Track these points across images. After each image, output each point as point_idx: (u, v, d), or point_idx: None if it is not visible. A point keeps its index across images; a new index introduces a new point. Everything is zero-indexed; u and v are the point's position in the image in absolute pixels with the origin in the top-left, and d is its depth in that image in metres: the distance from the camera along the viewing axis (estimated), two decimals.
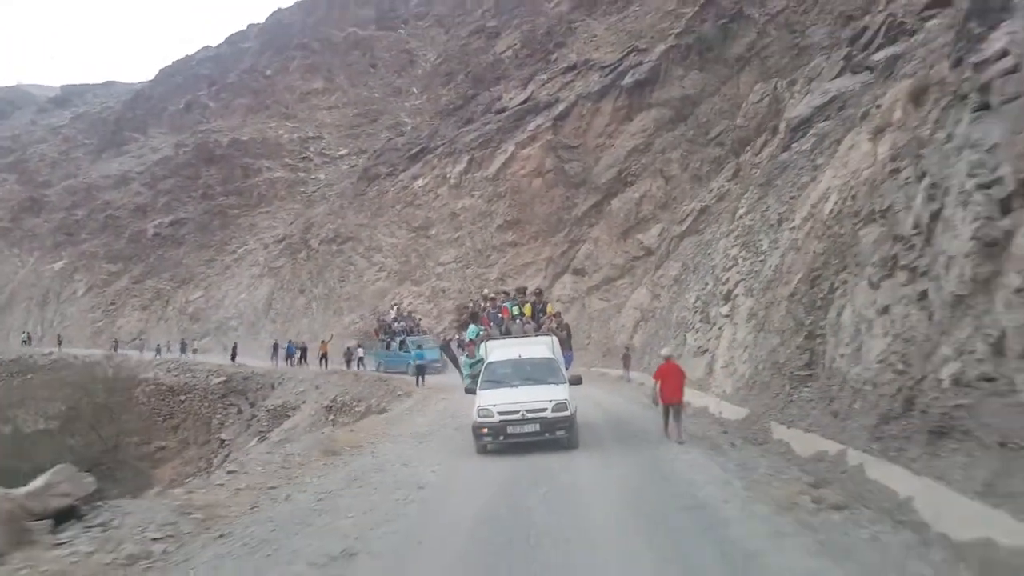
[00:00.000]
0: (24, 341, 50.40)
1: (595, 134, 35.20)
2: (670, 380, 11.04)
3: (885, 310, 8.03)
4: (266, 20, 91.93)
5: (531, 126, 35.75)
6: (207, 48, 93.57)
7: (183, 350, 41.46)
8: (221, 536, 6.46)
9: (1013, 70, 6.46)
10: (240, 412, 30.71)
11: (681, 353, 17.27)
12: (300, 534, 6.44)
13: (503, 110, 38.46)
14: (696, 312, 18.27)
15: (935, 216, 7.29)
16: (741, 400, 12.29)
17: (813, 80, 23.91)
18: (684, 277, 22.16)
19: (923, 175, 7.89)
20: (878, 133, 10.79)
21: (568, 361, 13.50)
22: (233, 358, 35.89)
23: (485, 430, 10.98)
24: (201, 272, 52.74)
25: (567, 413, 10.84)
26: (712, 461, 9.13)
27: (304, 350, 33.08)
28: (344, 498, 7.94)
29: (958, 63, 7.93)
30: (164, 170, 63.01)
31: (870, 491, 6.73)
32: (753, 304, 13.69)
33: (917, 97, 9.48)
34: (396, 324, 30.70)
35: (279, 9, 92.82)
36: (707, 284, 18.37)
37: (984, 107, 6.77)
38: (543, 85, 38.66)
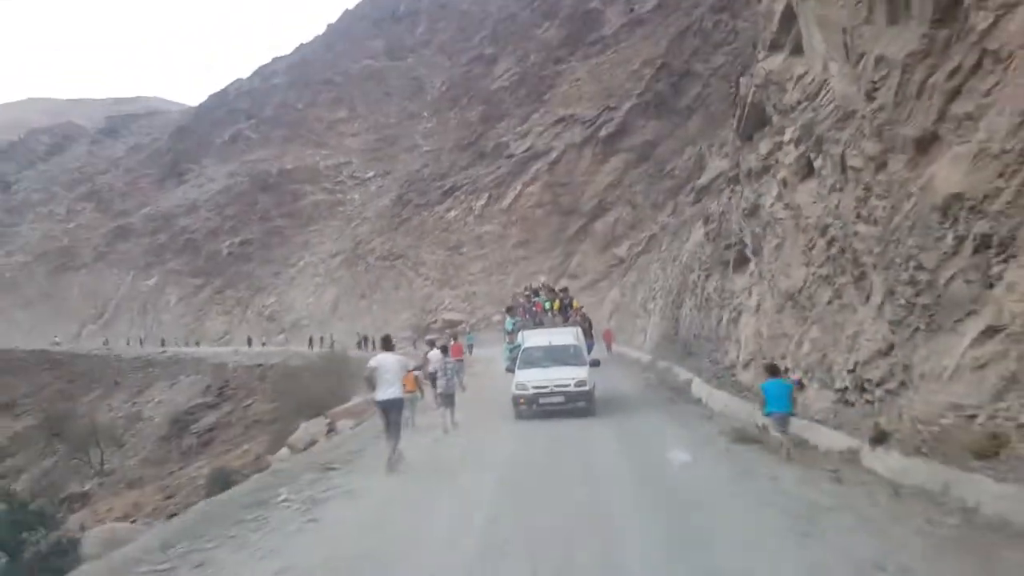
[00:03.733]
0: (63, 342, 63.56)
1: (580, 173, 48.30)
2: (608, 337, 24.08)
3: (696, 311, 21.16)
4: (292, 54, 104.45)
5: (533, 169, 48.97)
6: (239, 81, 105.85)
7: (249, 344, 54.37)
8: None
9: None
10: None
11: (632, 329, 30.52)
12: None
13: (511, 156, 51.55)
14: (641, 306, 31.48)
15: (721, 267, 20.47)
16: (651, 351, 25.43)
17: (724, 146, 36.77)
18: (637, 283, 35.27)
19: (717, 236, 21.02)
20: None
21: (590, 348, 16.10)
22: (311, 345, 48.53)
23: (522, 400, 13.65)
24: (271, 282, 65.71)
25: (586, 388, 13.59)
26: (639, 376, 22.08)
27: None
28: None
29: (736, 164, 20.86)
30: (226, 198, 75.81)
31: (689, 390, 19.59)
32: (661, 303, 26.86)
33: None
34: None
35: (302, 44, 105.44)
36: (647, 289, 31.57)
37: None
38: (540, 135, 51.62)
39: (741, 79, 13.98)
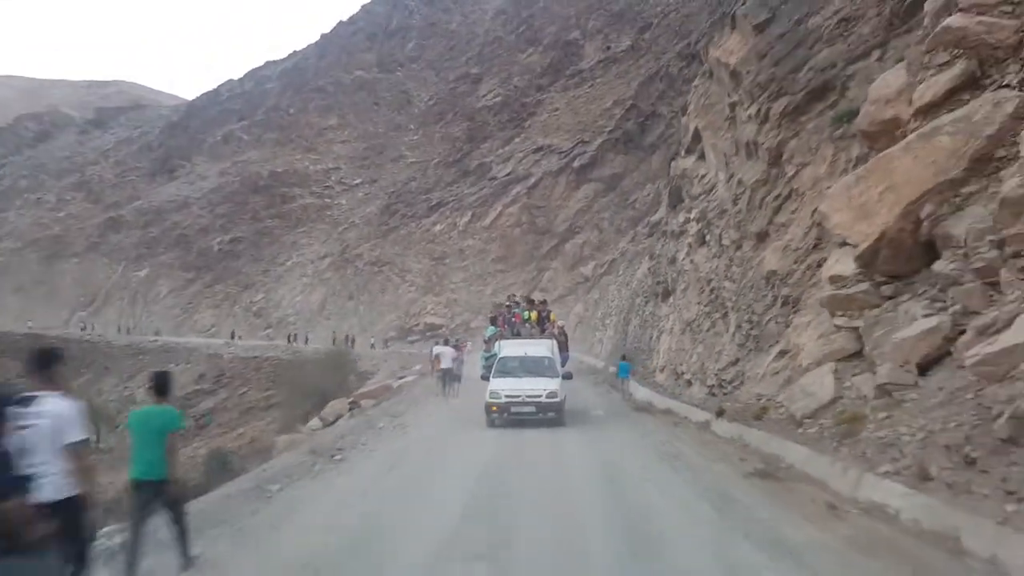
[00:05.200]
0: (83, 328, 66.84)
1: (555, 198, 53.34)
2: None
3: (638, 328, 26.10)
4: (285, 60, 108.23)
5: (513, 192, 53.91)
6: (231, 82, 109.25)
7: (232, 337, 58.34)
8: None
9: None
10: None
11: (592, 340, 35.47)
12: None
13: (494, 178, 56.46)
14: (600, 320, 36.48)
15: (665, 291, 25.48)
16: (604, 359, 30.34)
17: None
18: (599, 300, 40.32)
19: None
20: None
21: (565, 361, 16.13)
22: (290, 341, 52.72)
23: (495, 408, 13.84)
24: (259, 279, 69.50)
25: (557, 400, 13.81)
26: (591, 376, 27.05)
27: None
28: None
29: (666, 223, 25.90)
30: (218, 197, 79.40)
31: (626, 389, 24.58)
32: (615, 319, 31.85)
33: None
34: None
35: (295, 51, 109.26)
36: (605, 306, 36.60)
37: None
38: (520, 161, 56.61)
39: (672, 162, 18.98)
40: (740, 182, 13.15)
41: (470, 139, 69.13)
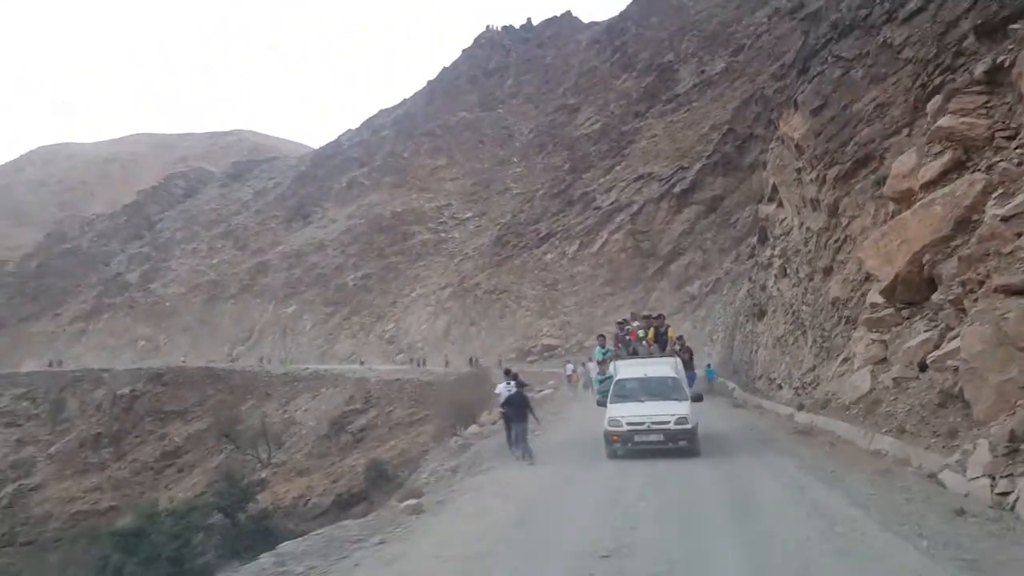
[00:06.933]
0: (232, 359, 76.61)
1: (658, 223, 57.09)
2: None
3: (741, 344, 29.72)
4: (396, 107, 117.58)
5: (617, 220, 58.18)
6: (350, 131, 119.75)
7: (360, 364, 65.38)
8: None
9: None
10: None
11: (701, 355, 39.06)
12: None
13: (598, 208, 60.94)
14: (708, 337, 40.01)
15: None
16: (719, 370, 33.90)
17: None
18: (705, 318, 43.75)
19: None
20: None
21: (691, 380, 14.97)
22: (418, 364, 58.91)
23: (615, 438, 12.67)
24: (389, 310, 76.74)
25: (688, 426, 12.39)
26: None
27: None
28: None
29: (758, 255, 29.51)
30: (348, 238, 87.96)
31: (732, 393, 28.25)
32: (722, 336, 35.40)
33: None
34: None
35: (404, 100, 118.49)
36: (712, 324, 40.10)
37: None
38: (622, 190, 60.81)
39: (758, 205, 22.87)
40: (808, 228, 17.05)
41: (572, 169, 73.84)
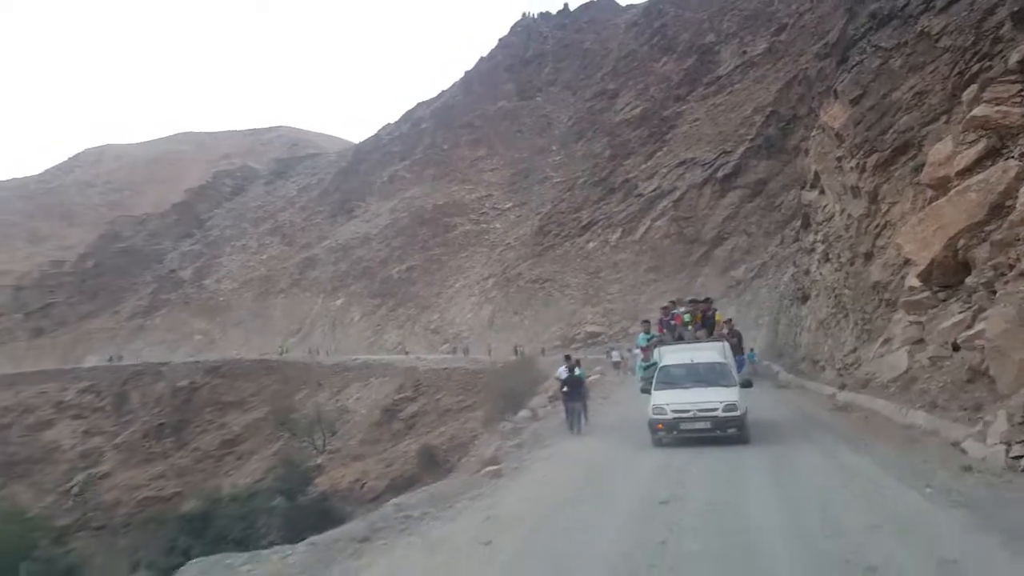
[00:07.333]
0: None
1: (701, 208, 57.25)
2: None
3: (786, 327, 30.12)
4: (434, 99, 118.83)
5: (659, 206, 58.48)
6: (389, 125, 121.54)
7: (406, 354, 67.06)
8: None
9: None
10: None
11: (746, 339, 39.46)
12: None
13: (640, 195, 61.28)
14: (753, 321, 40.33)
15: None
16: (759, 355, 34.34)
17: None
18: (751, 302, 44.03)
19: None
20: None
21: (741, 365, 14.75)
22: (464, 353, 60.26)
23: (660, 426, 12.49)
24: (434, 301, 78.32)
25: (737, 413, 12.13)
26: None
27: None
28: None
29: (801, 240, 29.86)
30: (392, 231, 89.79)
31: (776, 375, 28.78)
32: (767, 319, 35.77)
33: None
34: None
35: (442, 92, 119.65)
36: (758, 308, 40.39)
37: None
38: (664, 176, 61.02)
39: (801, 191, 23.33)
40: (849, 215, 17.58)
41: (613, 156, 73.99)
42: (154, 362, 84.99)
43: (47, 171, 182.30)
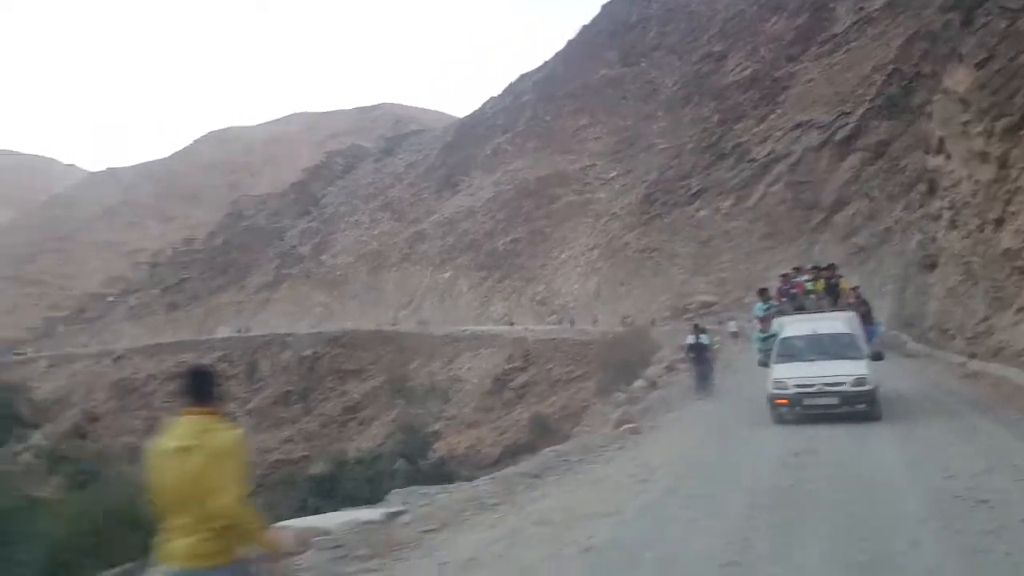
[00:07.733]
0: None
1: (819, 172, 55.35)
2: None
3: (913, 296, 29.38)
4: (536, 71, 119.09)
5: (774, 171, 57.01)
6: (492, 99, 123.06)
7: (511, 324, 68.66)
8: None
9: None
10: None
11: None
12: None
13: (753, 160, 59.86)
14: (878, 289, 39.06)
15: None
16: (885, 324, 33.52)
17: None
18: (875, 270, 42.59)
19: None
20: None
21: (871, 336, 14.07)
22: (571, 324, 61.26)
23: (782, 400, 11.97)
24: (539, 272, 79.74)
25: (867, 388, 11.45)
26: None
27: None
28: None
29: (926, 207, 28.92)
30: (496, 204, 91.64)
31: (904, 344, 28.19)
32: (892, 288, 34.72)
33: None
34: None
35: (545, 63, 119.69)
36: (882, 276, 39.14)
37: None
38: (779, 140, 59.27)
39: (926, 155, 22.70)
40: (977, 180, 17.22)
41: (722, 121, 72.19)
42: (280, 333, 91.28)
43: (174, 155, 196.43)
